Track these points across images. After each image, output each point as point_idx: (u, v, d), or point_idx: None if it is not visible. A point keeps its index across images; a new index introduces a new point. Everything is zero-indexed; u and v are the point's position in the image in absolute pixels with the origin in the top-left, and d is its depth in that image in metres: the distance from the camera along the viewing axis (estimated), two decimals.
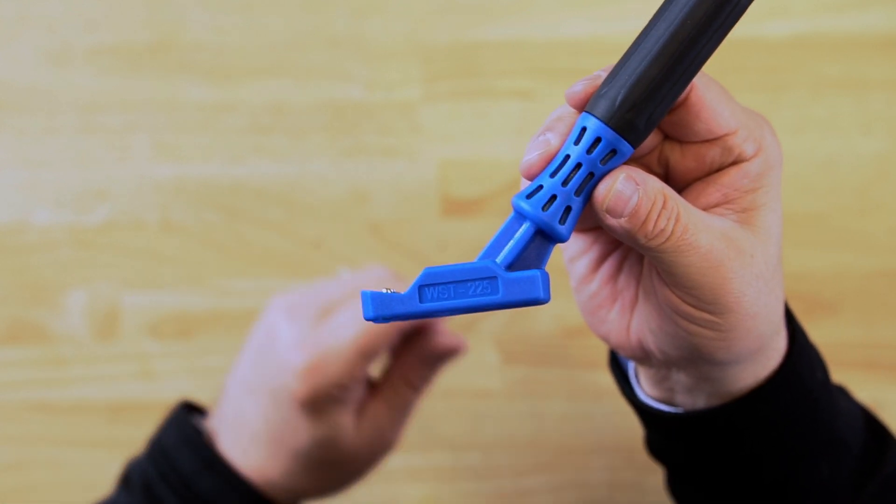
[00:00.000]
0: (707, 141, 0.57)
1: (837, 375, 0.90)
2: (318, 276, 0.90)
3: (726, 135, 0.57)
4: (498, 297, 0.54)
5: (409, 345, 0.79)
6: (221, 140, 0.91)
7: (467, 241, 0.90)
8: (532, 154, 0.55)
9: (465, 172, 0.90)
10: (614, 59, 0.92)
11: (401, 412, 0.78)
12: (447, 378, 0.89)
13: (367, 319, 0.54)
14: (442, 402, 0.90)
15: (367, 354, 0.74)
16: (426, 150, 0.90)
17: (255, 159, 0.91)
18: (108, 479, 0.90)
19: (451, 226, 0.90)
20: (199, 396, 0.90)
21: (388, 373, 0.78)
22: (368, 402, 0.77)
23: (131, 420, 0.90)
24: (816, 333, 0.90)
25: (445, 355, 0.79)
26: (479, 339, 0.90)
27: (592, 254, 0.62)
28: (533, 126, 0.90)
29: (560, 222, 0.55)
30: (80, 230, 0.91)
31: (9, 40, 0.91)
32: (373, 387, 0.78)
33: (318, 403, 0.73)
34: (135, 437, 0.90)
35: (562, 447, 0.90)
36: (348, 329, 0.74)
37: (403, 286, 0.66)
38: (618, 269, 0.62)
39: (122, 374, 0.90)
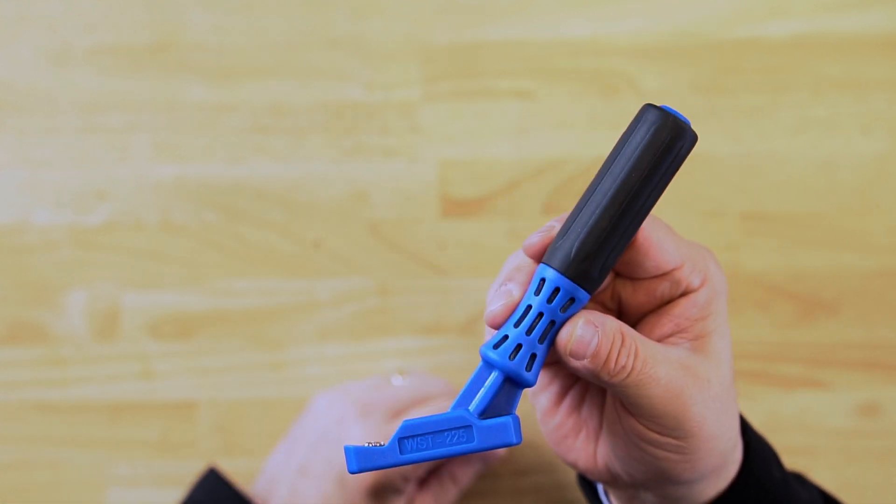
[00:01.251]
0: (656, 276, 0.61)
1: (837, 375, 0.90)
2: (319, 279, 0.90)
3: (674, 269, 0.60)
4: (473, 444, 0.58)
5: None
6: (221, 140, 0.91)
7: (467, 241, 0.90)
8: (495, 305, 0.58)
9: (465, 172, 0.90)
10: (614, 59, 0.93)
11: None
12: (447, 379, 0.89)
13: (352, 472, 0.58)
14: None
15: None
16: (426, 150, 0.91)
17: (255, 159, 0.91)
18: (108, 479, 0.90)
19: (451, 226, 0.90)
20: (198, 396, 0.90)
21: (436, 470, 0.85)
22: (417, 495, 0.83)
23: (131, 420, 0.90)
24: (816, 333, 0.90)
25: (488, 458, 0.87)
26: (479, 339, 0.90)
27: (554, 388, 0.65)
28: (533, 126, 0.90)
29: (526, 369, 0.58)
30: (80, 230, 0.91)
31: (9, 40, 0.91)
32: (421, 483, 0.84)
33: (382, 492, 0.80)
34: (135, 437, 0.90)
35: None
36: None
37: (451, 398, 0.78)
38: (580, 401, 0.65)
39: (122, 374, 0.90)
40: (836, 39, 0.90)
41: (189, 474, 0.89)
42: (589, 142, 0.90)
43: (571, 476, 0.90)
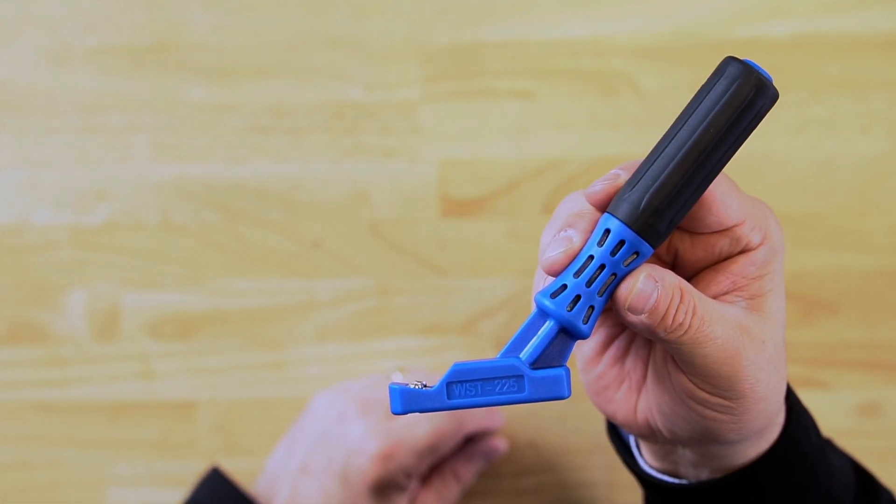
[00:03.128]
0: (716, 232, 0.59)
1: (837, 375, 0.90)
2: (318, 279, 0.90)
3: (735, 226, 0.59)
4: (524, 395, 0.56)
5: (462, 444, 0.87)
6: (221, 140, 0.91)
7: (467, 241, 0.90)
8: (555, 252, 0.56)
9: (465, 172, 0.90)
10: (614, 59, 0.93)
11: (447, 502, 0.85)
12: None
13: (395, 413, 0.57)
14: None
15: (434, 450, 0.81)
16: (426, 150, 0.91)
17: (255, 159, 0.91)
18: (108, 479, 0.90)
19: (451, 226, 0.90)
20: (198, 396, 0.90)
21: (438, 467, 0.84)
22: (420, 492, 0.83)
23: (131, 420, 0.90)
24: (816, 333, 0.91)
25: (490, 454, 0.86)
26: (479, 339, 0.90)
27: (599, 337, 0.63)
28: (533, 126, 0.90)
29: (583, 321, 0.57)
30: (80, 230, 0.91)
31: (9, 40, 0.91)
32: (424, 480, 0.84)
33: (386, 488, 0.79)
34: (135, 437, 0.90)
35: (562, 447, 0.90)
36: (422, 426, 0.80)
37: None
38: (625, 352, 0.63)
39: (122, 374, 0.91)
40: (836, 39, 0.90)
41: (189, 474, 0.89)
42: (589, 142, 0.90)
43: (571, 476, 0.90)
